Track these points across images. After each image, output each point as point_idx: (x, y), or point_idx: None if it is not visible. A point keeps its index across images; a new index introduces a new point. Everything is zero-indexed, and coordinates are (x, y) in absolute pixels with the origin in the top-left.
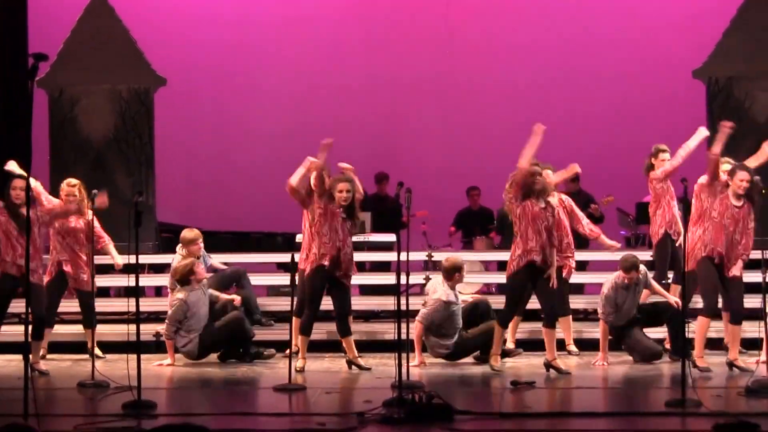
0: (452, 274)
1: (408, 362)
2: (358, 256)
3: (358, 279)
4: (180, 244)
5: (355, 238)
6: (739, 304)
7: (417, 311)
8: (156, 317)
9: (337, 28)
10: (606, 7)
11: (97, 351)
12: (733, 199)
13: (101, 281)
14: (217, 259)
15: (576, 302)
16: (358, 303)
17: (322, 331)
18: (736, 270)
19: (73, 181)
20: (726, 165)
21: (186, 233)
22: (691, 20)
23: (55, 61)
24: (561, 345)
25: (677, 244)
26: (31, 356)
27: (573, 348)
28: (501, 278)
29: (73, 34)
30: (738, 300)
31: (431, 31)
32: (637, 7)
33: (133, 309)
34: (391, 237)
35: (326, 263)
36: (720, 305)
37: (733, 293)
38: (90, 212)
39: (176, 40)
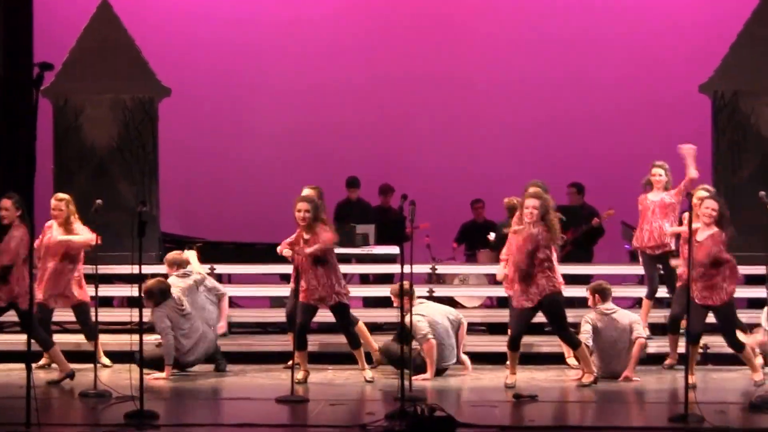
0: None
1: (411, 375)
2: (362, 268)
3: (361, 291)
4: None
5: (359, 250)
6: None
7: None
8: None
9: (341, 35)
10: (612, 20)
11: (106, 360)
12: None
13: (105, 291)
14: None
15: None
16: (361, 315)
17: (318, 342)
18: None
19: (62, 195)
20: (701, 191)
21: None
22: (697, 35)
23: (59, 71)
24: (561, 358)
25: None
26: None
27: (572, 361)
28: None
29: (78, 44)
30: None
31: (435, 38)
32: (644, 20)
33: (135, 319)
34: (394, 249)
35: (312, 302)
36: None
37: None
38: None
39: (181, 51)
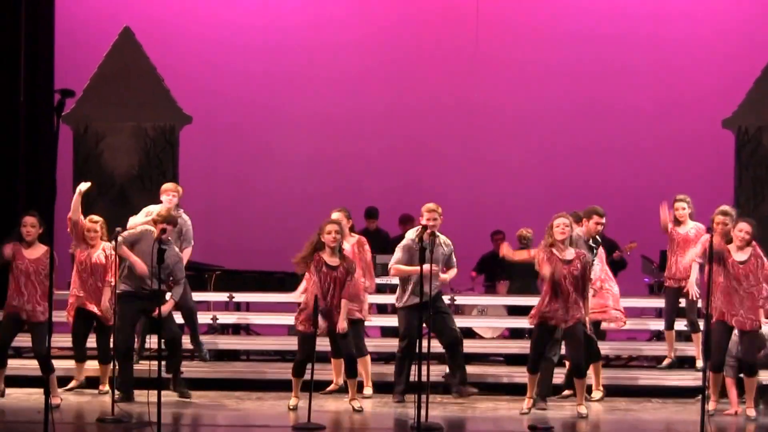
0: None
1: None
2: (381, 298)
3: (379, 321)
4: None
5: (378, 280)
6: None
7: (438, 354)
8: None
9: (362, 68)
10: (636, 55)
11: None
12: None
13: None
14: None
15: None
16: (380, 345)
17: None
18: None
19: (96, 218)
20: (719, 215)
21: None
22: (722, 70)
23: (80, 97)
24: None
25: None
26: None
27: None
28: (522, 323)
29: (100, 70)
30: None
31: (458, 68)
32: (668, 55)
33: (154, 345)
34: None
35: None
36: None
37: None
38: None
39: (203, 78)
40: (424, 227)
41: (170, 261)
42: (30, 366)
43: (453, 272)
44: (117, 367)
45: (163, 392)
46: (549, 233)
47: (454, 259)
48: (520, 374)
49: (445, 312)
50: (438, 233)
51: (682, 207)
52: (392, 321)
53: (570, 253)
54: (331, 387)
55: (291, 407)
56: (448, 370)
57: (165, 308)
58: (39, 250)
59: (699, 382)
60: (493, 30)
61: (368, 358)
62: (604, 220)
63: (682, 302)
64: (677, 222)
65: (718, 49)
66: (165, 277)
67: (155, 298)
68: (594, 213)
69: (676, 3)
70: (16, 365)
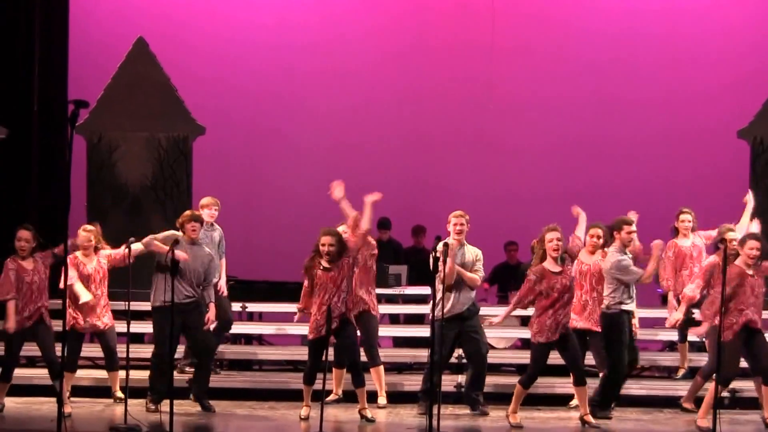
0: None
1: (439, 413)
2: (393, 309)
3: (392, 331)
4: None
5: (390, 291)
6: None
7: (451, 364)
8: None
9: (375, 80)
10: (650, 66)
11: (120, 394)
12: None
13: (137, 327)
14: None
15: None
16: (392, 354)
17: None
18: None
19: (89, 226)
20: (731, 233)
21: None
22: (737, 80)
23: (94, 108)
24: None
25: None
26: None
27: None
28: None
29: (114, 81)
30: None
31: (469, 84)
32: (683, 66)
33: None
34: (426, 290)
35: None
36: None
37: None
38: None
39: (216, 90)
40: (438, 238)
41: (205, 260)
42: (42, 375)
43: (471, 276)
44: (151, 376)
45: (181, 401)
46: (540, 247)
47: (481, 269)
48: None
49: (475, 327)
50: (465, 243)
51: (688, 220)
52: (405, 332)
53: (558, 266)
54: (331, 397)
55: (302, 417)
56: (465, 383)
57: (211, 315)
58: (33, 262)
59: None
60: (508, 27)
61: (381, 367)
62: (634, 228)
63: (695, 313)
64: (677, 233)
65: (738, 54)
66: (201, 279)
67: (194, 310)
68: (623, 223)
69: (696, 3)
70: (28, 374)
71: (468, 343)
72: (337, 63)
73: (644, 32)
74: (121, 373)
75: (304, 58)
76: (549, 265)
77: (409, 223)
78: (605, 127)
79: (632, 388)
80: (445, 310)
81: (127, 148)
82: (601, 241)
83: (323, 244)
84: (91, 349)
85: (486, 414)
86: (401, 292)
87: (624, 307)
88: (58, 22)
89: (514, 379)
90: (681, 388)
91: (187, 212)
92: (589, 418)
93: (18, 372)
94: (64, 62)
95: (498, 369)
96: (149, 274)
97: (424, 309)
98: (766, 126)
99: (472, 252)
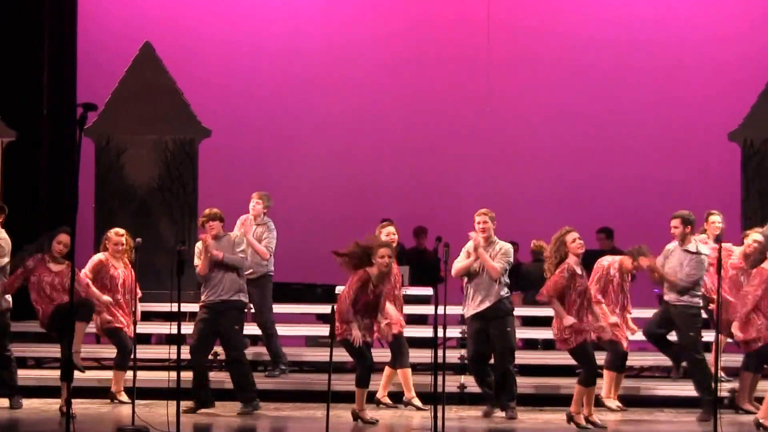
0: None
1: (444, 414)
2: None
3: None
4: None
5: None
6: None
7: (453, 364)
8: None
9: (378, 87)
10: (645, 73)
11: (124, 397)
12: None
13: (144, 328)
14: None
15: None
16: None
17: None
18: None
19: (121, 230)
20: (756, 235)
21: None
22: (727, 83)
23: (102, 111)
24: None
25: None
26: None
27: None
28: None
29: (121, 85)
30: None
31: (467, 92)
32: (675, 69)
33: (174, 356)
34: (428, 291)
35: None
36: None
37: None
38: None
39: (222, 93)
40: (438, 239)
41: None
42: (49, 376)
43: (492, 264)
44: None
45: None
46: (562, 249)
47: (502, 260)
48: (533, 384)
49: (499, 329)
50: (495, 239)
51: (719, 221)
52: (408, 332)
53: (581, 267)
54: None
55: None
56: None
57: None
58: (61, 265)
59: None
60: (505, 35)
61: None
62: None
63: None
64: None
65: (728, 57)
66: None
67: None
68: (710, 215)
69: (687, 11)
70: (35, 375)
71: (492, 345)
72: (340, 70)
73: (638, 40)
74: (127, 374)
75: (308, 65)
76: (574, 265)
77: (411, 224)
78: (601, 132)
79: (632, 387)
80: (468, 309)
81: (134, 150)
82: None
83: (381, 256)
84: (98, 349)
85: (514, 418)
86: (404, 293)
87: None
88: (67, 28)
89: (518, 380)
90: (682, 388)
91: (207, 210)
92: (595, 419)
93: (27, 373)
94: (73, 66)
95: None
96: (156, 276)
97: (427, 309)
98: (755, 128)
99: (498, 248)
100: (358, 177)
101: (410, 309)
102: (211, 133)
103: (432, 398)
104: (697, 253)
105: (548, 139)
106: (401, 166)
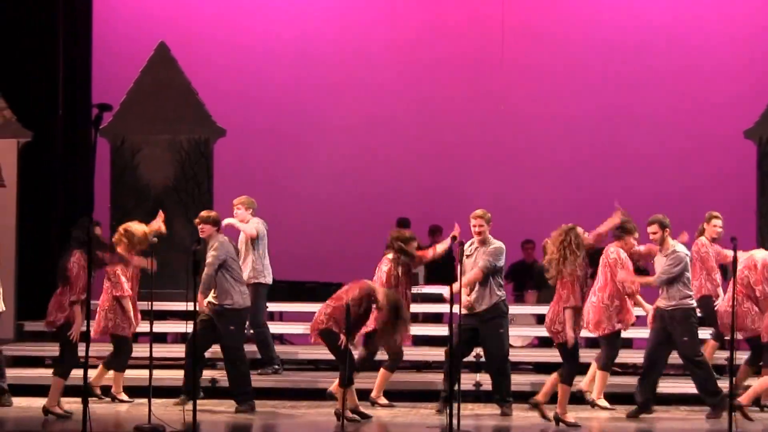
0: None
1: (459, 412)
2: (411, 308)
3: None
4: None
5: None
6: None
7: (469, 362)
8: (212, 364)
9: (391, 91)
10: (658, 68)
11: (124, 396)
12: None
13: (159, 327)
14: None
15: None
16: (410, 353)
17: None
18: None
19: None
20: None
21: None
22: (742, 83)
23: (117, 111)
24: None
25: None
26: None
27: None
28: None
29: (136, 85)
30: None
31: (487, 78)
32: (689, 70)
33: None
34: (443, 289)
35: None
36: None
37: None
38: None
39: (236, 93)
40: (453, 237)
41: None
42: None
43: (472, 276)
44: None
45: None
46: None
47: (483, 259)
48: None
49: (492, 330)
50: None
51: (720, 225)
52: (423, 330)
53: None
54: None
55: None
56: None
57: None
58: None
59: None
60: (518, 39)
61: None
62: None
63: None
64: (701, 233)
65: (742, 58)
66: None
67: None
68: (712, 217)
69: (700, 13)
70: (44, 374)
71: (484, 346)
72: (356, 74)
73: (652, 43)
74: (143, 373)
75: (323, 68)
76: None
77: (426, 223)
78: (616, 134)
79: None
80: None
81: (149, 150)
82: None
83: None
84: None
85: (508, 415)
86: (419, 291)
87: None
88: (82, 28)
89: (531, 378)
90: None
91: (203, 213)
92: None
93: (40, 372)
94: (88, 67)
95: (516, 368)
96: (171, 275)
97: (442, 308)
98: None
99: (486, 248)
100: (372, 178)
101: (425, 308)
102: (225, 132)
103: (448, 396)
104: (673, 251)
105: (562, 142)
106: (415, 168)
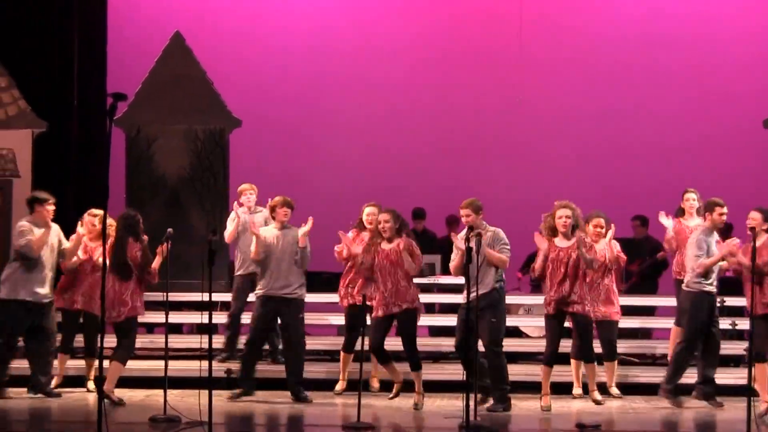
0: None
1: (476, 403)
2: (428, 298)
3: (427, 320)
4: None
5: (425, 280)
6: None
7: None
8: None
9: (406, 84)
10: (677, 59)
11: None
12: None
13: (175, 318)
14: None
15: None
16: (428, 344)
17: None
18: None
19: (96, 211)
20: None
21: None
22: (760, 73)
23: (132, 101)
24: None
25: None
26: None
27: (615, 390)
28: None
29: (151, 75)
30: None
31: (502, 70)
32: (710, 57)
33: (205, 345)
34: (460, 279)
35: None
36: None
37: None
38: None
39: (251, 83)
40: (470, 228)
41: None
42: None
43: (497, 256)
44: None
45: (214, 392)
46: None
47: (504, 249)
48: (566, 372)
49: (485, 318)
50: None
51: (693, 198)
52: (440, 321)
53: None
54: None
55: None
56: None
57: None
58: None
59: (742, 381)
60: (536, 32)
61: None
62: (725, 210)
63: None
64: (683, 213)
65: (760, 48)
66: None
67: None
68: (715, 205)
69: (718, 3)
70: (69, 365)
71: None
72: (373, 66)
73: (670, 36)
74: (158, 363)
75: (339, 61)
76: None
77: (444, 213)
78: (633, 128)
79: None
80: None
81: (164, 140)
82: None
83: (379, 222)
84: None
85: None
86: (436, 281)
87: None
88: (97, 18)
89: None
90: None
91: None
92: (597, 395)
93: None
94: (103, 57)
95: (533, 358)
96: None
97: (459, 298)
98: None
99: (490, 235)
100: (388, 164)
101: (442, 298)
102: (241, 123)
103: (464, 386)
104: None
105: (580, 136)
106: (431, 162)
